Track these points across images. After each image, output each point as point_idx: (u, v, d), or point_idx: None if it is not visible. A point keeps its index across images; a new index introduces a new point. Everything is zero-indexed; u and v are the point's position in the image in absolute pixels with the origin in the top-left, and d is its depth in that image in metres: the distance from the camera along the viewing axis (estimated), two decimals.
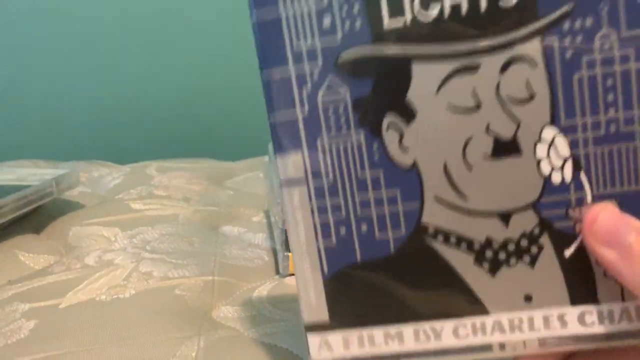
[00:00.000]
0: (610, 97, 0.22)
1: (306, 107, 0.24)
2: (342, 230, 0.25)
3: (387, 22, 0.23)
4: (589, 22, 0.22)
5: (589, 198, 0.23)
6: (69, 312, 0.39)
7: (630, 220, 0.22)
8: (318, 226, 0.25)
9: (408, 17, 0.22)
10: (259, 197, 0.65)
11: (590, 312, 0.24)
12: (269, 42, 0.24)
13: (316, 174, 0.24)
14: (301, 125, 0.24)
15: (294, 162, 0.25)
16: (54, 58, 1.08)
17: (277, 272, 0.46)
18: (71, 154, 1.01)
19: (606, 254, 0.22)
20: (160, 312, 0.38)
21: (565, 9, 0.22)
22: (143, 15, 1.06)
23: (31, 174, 0.62)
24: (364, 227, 0.25)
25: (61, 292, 0.41)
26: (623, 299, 0.24)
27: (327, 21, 0.23)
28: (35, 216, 0.59)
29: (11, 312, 0.39)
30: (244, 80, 0.92)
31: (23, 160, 0.90)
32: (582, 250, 0.23)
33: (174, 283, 0.43)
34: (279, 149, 0.25)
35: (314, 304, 0.26)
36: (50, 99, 1.10)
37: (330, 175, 0.24)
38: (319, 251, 0.25)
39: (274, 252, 0.49)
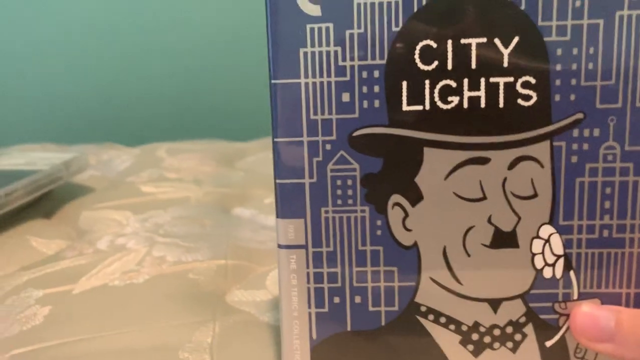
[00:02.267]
0: (608, 204, 0.24)
1: (315, 177, 0.25)
2: (336, 299, 0.26)
3: (405, 106, 0.23)
4: (596, 132, 0.23)
5: (575, 295, 0.25)
6: (83, 297, 0.39)
7: (605, 309, 0.24)
8: (312, 292, 0.26)
9: (427, 104, 0.23)
10: (271, 178, 0.64)
11: None
12: (286, 109, 0.24)
13: (316, 242, 0.25)
14: (307, 193, 0.25)
15: (295, 228, 0.25)
16: (62, 41, 1.08)
17: None
18: (80, 137, 1.01)
19: (604, 348, 0.23)
20: (174, 297, 0.38)
21: (576, 117, 0.23)
22: None
23: (41, 158, 0.61)
24: (358, 299, 0.26)
25: (74, 277, 0.41)
26: None
27: (346, 96, 0.24)
28: (45, 201, 0.59)
29: (25, 298, 0.39)
30: (254, 59, 0.91)
31: (32, 144, 0.90)
32: (562, 341, 0.25)
33: (188, 267, 0.42)
34: (282, 212, 0.25)
35: None
36: (57, 81, 1.10)
37: (331, 244, 0.25)
38: (310, 316, 0.26)
39: None
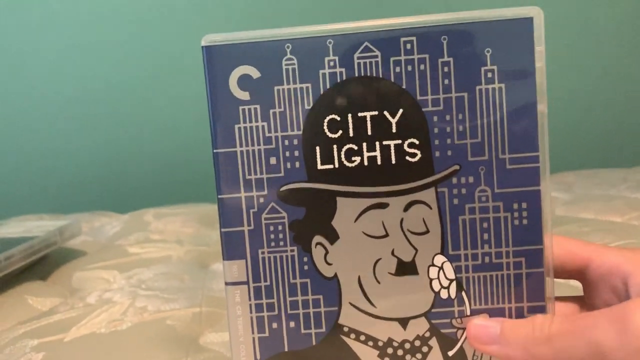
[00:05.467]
0: (486, 236, 0.29)
1: (252, 225, 0.30)
2: (274, 325, 0.31)
3: (320, 166, 0.29)
4: (471, 179, 0.29)
5: (468, 311, 0.30)
6: (73, 344, 0.44)
7: (492, 320, 0.29)
8: (254, 320, 0.31)
9: (336, 163, 0.29)
10: None
11: None
12: (226, 171, 0.30)
13: (256, 278, 0.30)
14: (247, 239, 0.30)
15: (238, 267, 0.30)
16: (54, 116, 1.15)
17: None
18: (73, 206, 1.07)
19: (493, 350, 0.28)
20: (153, 341, 0.44)
21: (454, 168, 0.29)
22: (140, 70, 1.13)
23: (36, 226, 0.68)
24: (292, 324, 0.30)
25: (66, 327, 0.46)
26: None
27: (273, 160, 0.29)
28: (41, 264, 0.65)
29: (22, 347, 0.44)
30: None
31: (28, 215, 0.95)
32: (462, 351, 0.30)
33: (166, 315, 0.48)
34: (227, 255, 0.30)
35: None
36: (51, 155, 1.16)
37: (268, 279, 0.30)
38: (253, 340, 0.31)
39: None
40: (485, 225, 0.29)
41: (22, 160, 1.17)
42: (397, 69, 0.28)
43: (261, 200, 0.30)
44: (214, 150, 0.30)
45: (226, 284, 0.31)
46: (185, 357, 0.41)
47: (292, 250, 0.30)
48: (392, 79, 0.28)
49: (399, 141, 0.29)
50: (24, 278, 0.60)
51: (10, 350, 0.44)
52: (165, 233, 0.74)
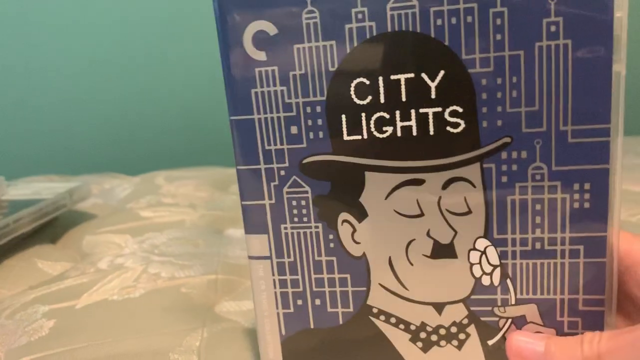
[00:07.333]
0: (538, 219, 0.25)
1: (273, 199, 0.28)
2: (299, 301, 0.29)
3: (346, 137, 0.26)
4: (524, 154, 0.25)
5: (513, 300, 0.27)
6: (85, 311, 0.42)
7: (536, 336, 0.26)
8: (279, 295, 0.29)
9: (364, 133, 0.26)
10: None
11: None
12: (244, 141, 0.27)
13: (279, 254, 0.28)
14: (268, 213, 0.28)
15: (260, 242, 0.28)
16: (64, 76, 1.13)
17: None
18: (83, 168, 1.05)
19: None
20: (167, 309, 0.42)
21: (504, 141, 0.25)
22: (151, 28, 1.10)
23: (46, 188, 0.66)
24: (318, 301, 0.29)
25: (77, 294, 0.45)
26: None
27: (294, 129, 0.26)
28: (51, 227, 0.63)
29: (33, 313, 0.42)
30: None
31: (38, 176, 0.94)
32: (502, 341, 0.27)
33: (180, 282, 0.46)
34: (248, 229, 0.28)
35: (272, 354, 0.30)
36: (61, 115, 1.14)
37: (292, 255, 0.28)
38: (278, 316, 0.29)
39: None
40: (538, 207, 0.25)
41: (31, 121, 1.15)
42: (439, 22, 0.24)
43: (282, 172, 0.27)
44: (230, 118, 0.27)
45: (249, 257, 0.29)
46: (202, 327, 0.39)
47: (316, 227, 0.28)
48: (432, 34, 0.24)
49: (439, 109, 0.25)
50: (34, 241, 0.58)
51: (21, 316, 0.42)
52: (177, 197, 0.72)
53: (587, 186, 0.25)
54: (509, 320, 0.27)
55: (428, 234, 0.27)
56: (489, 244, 0.26)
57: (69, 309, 0.43)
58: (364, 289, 0.28)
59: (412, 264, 0.27)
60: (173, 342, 0.37)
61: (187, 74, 1.11)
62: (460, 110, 0.25)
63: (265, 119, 0.27)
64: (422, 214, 0.26)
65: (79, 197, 0.66)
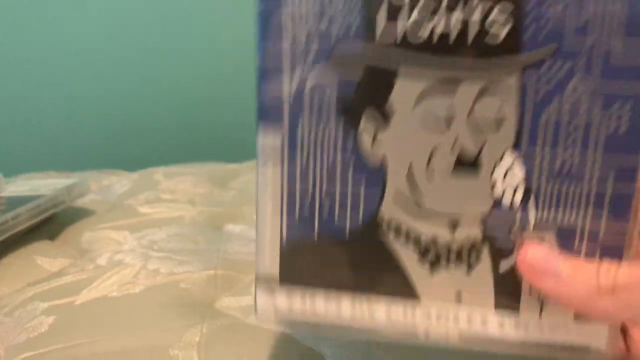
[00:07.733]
0: (571, 139, 0.24)
1: (294, 87, 0.25)
2: (306, 204, 0.27)
3: (380, 35, 0.24)
4: (566, 67, 0.23)
5: (531, 224, 0.25)
6: (84, 308, 0.42)
7: (557, 253, 0.25)
8: (285, 196, 0.27)
9: (399, 35, 0.24)
10: None
11: (510, 320, 0.27)
12: (267, 17, 0.25)
13: (292, 149, 0.26)
14: (286, 103, 0.26)
15: (273, 134, 0.26)
16: (62, 73, 1.12)
17: None
18: (82, 164, 1.05)
19: (546, 286, 0.25)
20: (166, 305, 0.42)
21: (547, 50, 0.23)
22: (150, 24, 1.10)
23: (44, 185, 0.66)
24: (327, 205, 0.27)
25: (76, 290, 0.45)
26: (540, 316, 0.26)
27: (326, 18, 0.24)
28: (49, 224, 0.63)
29: (32, 310, 0.42)
30: (250, 86, 0.95)
31: (36, 172, 0.94)
32: (515, 268, 0.26)
33: (179, 278, 0.46)
34: (263, 119, 0.26)
35: (269, 263, 0.28)
36: (59, 112, 1.14)
37: (305, 152, 0.26)
38: (281, 219, 0.27)
39: None
40: (573, 126, 0.24)
41: (29, 117, 1.15)
42: None
43: (309, 58, 0.25)
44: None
45: (258, 153, 0.27)
46: (202, 323, 0.39)
47: (337, 126, 0.26)
48: None
49: (490, 3, 0.23)
50: (32, 238, 0.58)
51: (20, 313, 0.42)
52: (176, 193, 0.72)
53: (627, 106, 0.23)
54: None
55: (453, 146, 0.25)
56: (517, 155, 0.25)
57: (69, 305, 0.43)
58: (378, 194, 0.26)
59: (432, 174, 0.26)
60: (173, 338, 0.37)
61: (186, 70, 1.11)
62: (511, 8, 0.23)
63: (298, 1, 0.25)
64: (450, 125, 0.25)
65: (77, 194, 0.65)
